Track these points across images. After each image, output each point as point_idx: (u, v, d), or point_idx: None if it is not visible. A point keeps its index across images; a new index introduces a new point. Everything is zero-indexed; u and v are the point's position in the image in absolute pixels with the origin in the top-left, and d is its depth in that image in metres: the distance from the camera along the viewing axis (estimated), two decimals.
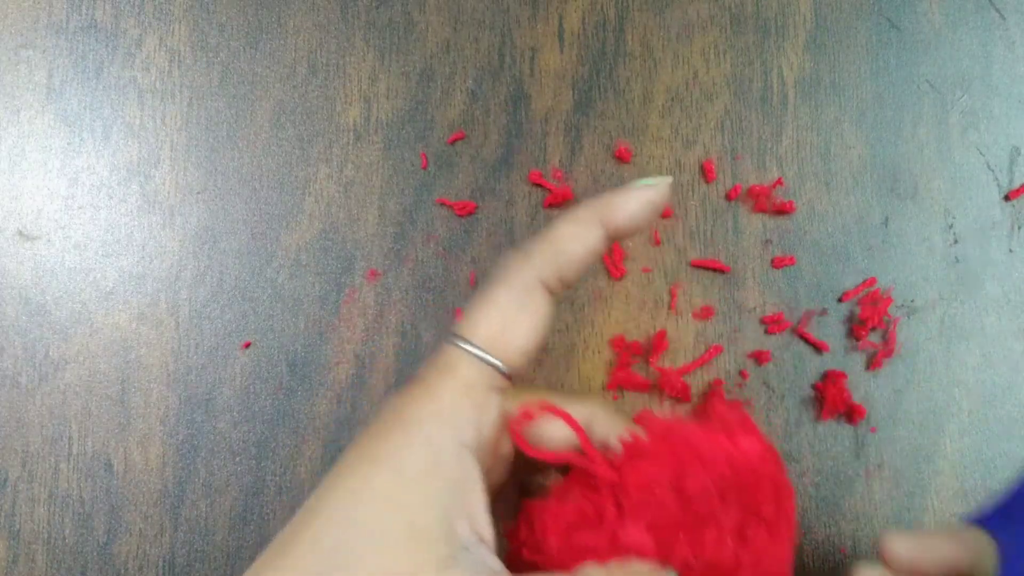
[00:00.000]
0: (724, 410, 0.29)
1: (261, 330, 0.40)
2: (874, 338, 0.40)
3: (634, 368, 0.40)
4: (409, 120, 0.41)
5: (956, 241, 0.41)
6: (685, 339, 0.40)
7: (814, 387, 0.40)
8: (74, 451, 0.40)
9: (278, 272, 0.40)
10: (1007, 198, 0.41)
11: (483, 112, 0.41)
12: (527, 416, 0.28)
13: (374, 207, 0.41)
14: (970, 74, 0.41)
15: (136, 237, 0.41)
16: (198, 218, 0.41)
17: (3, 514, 0.39)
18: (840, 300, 0.40)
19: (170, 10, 0.41)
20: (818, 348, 0.40)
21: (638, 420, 0.29)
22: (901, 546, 0.29)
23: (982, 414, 0.40)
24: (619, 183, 0.41)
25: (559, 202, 0.40)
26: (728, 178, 0.41)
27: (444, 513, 0.24)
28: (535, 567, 0.27)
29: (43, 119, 0.41)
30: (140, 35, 0.41)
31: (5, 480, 0.39)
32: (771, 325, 0.40)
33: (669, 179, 0.28)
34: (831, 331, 0.40)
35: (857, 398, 0.40)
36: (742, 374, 0.40)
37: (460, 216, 0.41)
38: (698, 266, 0.40)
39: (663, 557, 0.26)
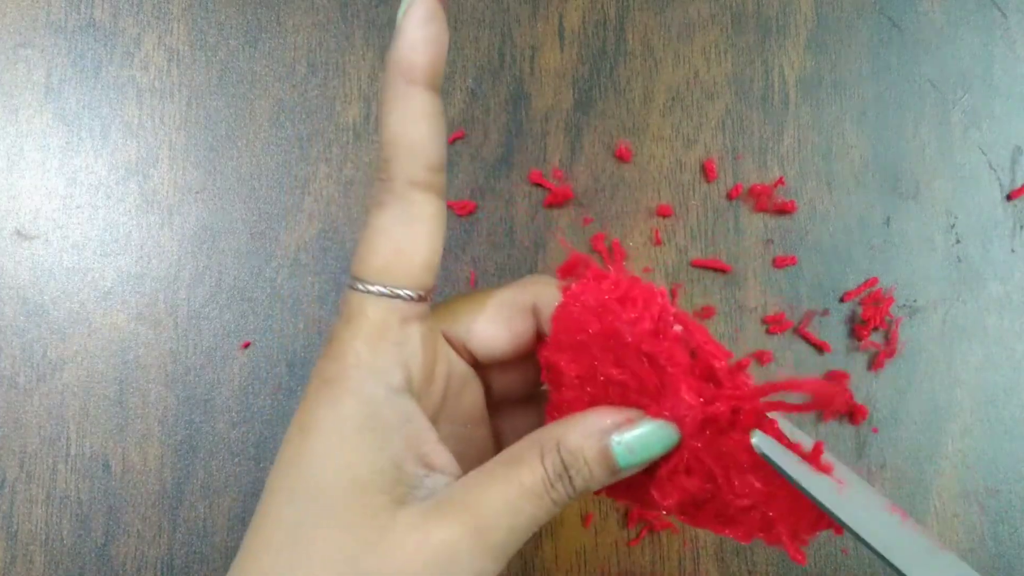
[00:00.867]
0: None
1: (260, 330, 0.40)
2: (876, 338, 0.40)
3: None
4: None
5: (958, 241, 0.41)
6: None
7: None
8: (72, 452, 0.39)
9: (277, 272, 0.40)
10: (1009, 198, 0.41)
11: (483, 111, 0.41)
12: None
13: None
14: (972, 73, 0.41)
15: (134, 237, 0.40)
16: (197, 217, 0.40)
17: (1, 515, 0.39)
18: (842, 300, 0.40)
19: (169, 9, 0.41)
20: (820, 348, 0.40)
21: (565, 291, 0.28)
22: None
23: (984, 414, 0.40)
24: (619, 183, 0.41)
25: (559, 202, 0.40)
26: (729, 177, 0.41)
27: (389, 460, 0.24)
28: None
29: (41, 118, 0.41)
30: (139, 34, 0.41)
31: (3, 481, 0.39)
32: (772, 325, 0.40)
33: None
34: (833, 331, 0.40)
35: (859, 398, 0.40)
36: None
37: (460, 216, 0.40)
38: (699, 266, 0.40)
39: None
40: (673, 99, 0.41)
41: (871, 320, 0.40)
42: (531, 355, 0.29)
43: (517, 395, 0.31)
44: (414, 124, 0.24)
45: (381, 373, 0.24)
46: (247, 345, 0.40)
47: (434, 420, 0.27)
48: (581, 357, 0.27)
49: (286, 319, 0.40)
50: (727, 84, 0.41)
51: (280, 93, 0.41)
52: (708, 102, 0.41)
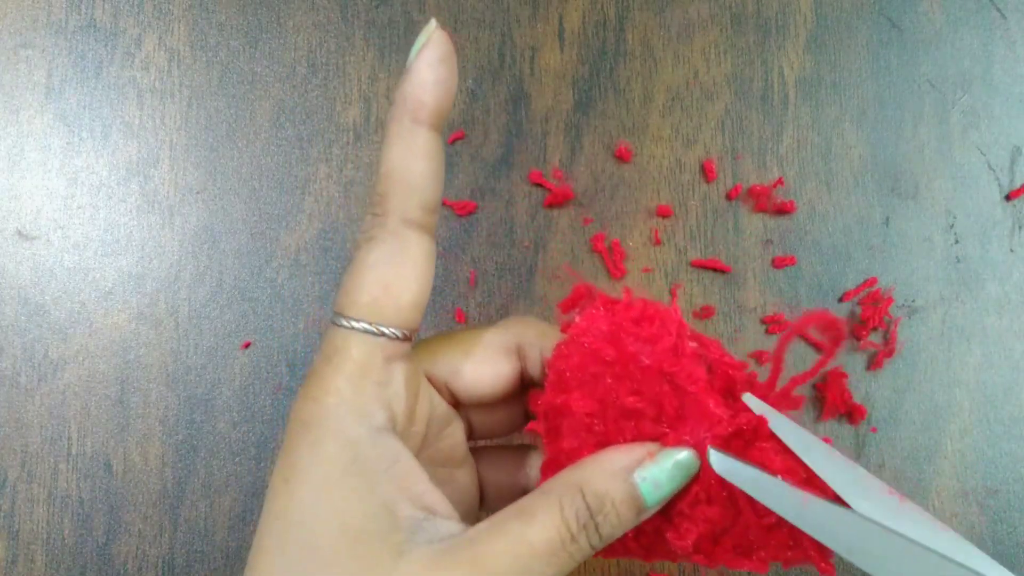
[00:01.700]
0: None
1: (261, 330, 0.40)
2: (875, 338, 0.40)
3: None
4: None
5: (957, 241, 0.41)
6: None
7: (815, 387, 0.40)
8: (73, 451, 0.39)
9: (278, 272, 0.40)
10: (1008, 198, 0.41)
11: (483, 112, 0.41)
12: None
13: None
14: (971, 74, 0.41)
15: (135, 237, 0.40)
16: (197, 218, 0.41)
17: (2, 514, 0.39)
18: (841, 300, 0.40)
19: (169, 9, 0.41)
20: (819, 348, 0.40)
21: (565, 328, 0.27)
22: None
23: (983, 414, 0.40)
24: (619, 183, 0.41)
25: (559, 202, 0.40)
26: (729, 178, 0.41)
27: (380, 503, 0.23)
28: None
29: (42, 119, 0.41)
30: (139, 34, 0.41)
31: (4, 480, 0.39)
32: (772, 325, 0.40)
33: (433, 22, 0.24)
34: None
35: (858, 398, 0.40)
36: None
37: (460, 216, 0.40)
38: (699, 266, 0.40)
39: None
40: (673, 99, 0.41)
41: (870, 320, 0.40)
42: (514, 396, 0.28)
43: (498, 435, 0.30)
44: (415, 161, 0.24)
45: (364, 413, 0.23)
46: (248, 345, 0.40)
47: None
48: (595, 391, 0.26)
49: (286, 319, 0.40)
50: (727, 84, 0.41)
51: (280, 94, 0.41)
52: (708, 102, 0.41)
